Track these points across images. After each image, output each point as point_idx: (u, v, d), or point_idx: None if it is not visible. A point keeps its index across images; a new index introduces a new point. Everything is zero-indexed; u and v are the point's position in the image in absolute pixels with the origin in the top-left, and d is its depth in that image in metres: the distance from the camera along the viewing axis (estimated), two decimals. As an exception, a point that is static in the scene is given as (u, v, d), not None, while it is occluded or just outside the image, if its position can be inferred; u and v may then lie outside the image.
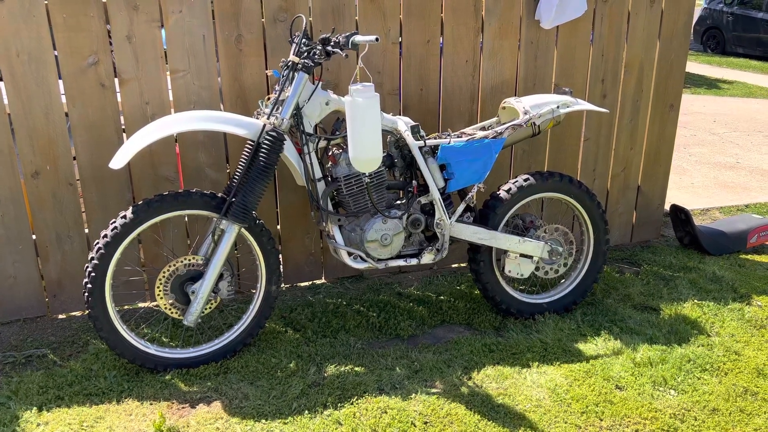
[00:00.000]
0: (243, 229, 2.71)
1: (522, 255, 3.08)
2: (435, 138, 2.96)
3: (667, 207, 4.55)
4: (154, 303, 3.29)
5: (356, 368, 2.78)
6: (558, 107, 3.01)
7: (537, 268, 3.17)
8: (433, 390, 2.65)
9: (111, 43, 2.90)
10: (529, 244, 3.07)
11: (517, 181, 3.08)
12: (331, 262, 3.58)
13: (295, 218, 3.40)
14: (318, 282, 3.61)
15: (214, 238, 2.71)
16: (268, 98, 2.75)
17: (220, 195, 2.70)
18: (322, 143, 2.80)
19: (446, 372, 2.77)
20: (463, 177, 2.92)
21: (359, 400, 2.57)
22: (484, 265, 3.09)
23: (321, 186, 2.78)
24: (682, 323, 3.19)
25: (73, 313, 3.22)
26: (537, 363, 2.86)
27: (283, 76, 2.70)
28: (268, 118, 2.63)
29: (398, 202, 2.94)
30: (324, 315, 3.20)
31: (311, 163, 2.75)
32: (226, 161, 3.21)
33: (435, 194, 2.90)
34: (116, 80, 2.95)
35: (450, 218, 2.94)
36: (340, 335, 3.03)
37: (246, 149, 2.73)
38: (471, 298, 3.41)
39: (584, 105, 3.08)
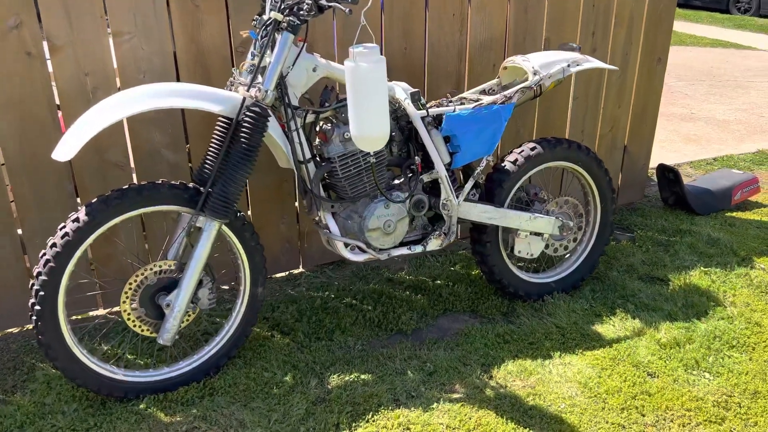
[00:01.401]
0: (223, 226, 2.26)
1: (532, 233, 2.77)
2: (437, 106, 2.57)
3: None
4: (110, 310, 2.80)
5: (363, 376, 2.41)
6: (569, 65, 2.68)
7: (546, 246, 2.87)
8: (455, 395, 2.33)
9: (37, 2, 2.32)
10: (541, 220, 2.76)
11: (522, 150, 2.75)
12: (311, 249, 3.16)
13: (268, 202, 2.95)
14: (296, 272, 3.19)
15: (189, 238, 2.25)
16: (243, 65, 2.27)
17: (192, 185, 2.24)
18: (310, 117, 2.37)
19: (464, 372, 2.45)
20: (470, 150, 2.55)
21: (375, 416, 2.22)
22: (490, 247, 2.76)
23: (311, 168, 2.36)
24: (695, 294, 2.99)
25: (10, 330, 2.69)
26: (559, 352, 2.58)
27: (261, 37, 2.23)
28: (248, 90, 2.17)
29: (396, 181, 2.55)
30: (313, 312, 2.81)
31: (299, 142, 2.31)
32: (185, 140, 2.71)
33: (441, 171, 2.53)
34: (46, 46, 2.39)
35: (458, 198, 2.58)
36: (337, 336, 2.65)
37: (219, 128, 2.26)
38: (470, 281, 3.09)
39: (594, 62, 2.76)
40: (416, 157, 2.50)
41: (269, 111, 2.19)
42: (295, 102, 2.29)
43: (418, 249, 2.58)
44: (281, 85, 2.23)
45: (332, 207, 2.45)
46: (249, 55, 2.28)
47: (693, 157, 4.98)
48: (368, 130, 2.10)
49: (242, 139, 2.15)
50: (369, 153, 2.35)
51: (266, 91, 2.16)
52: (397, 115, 2.51)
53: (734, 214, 3.93)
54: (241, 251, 2.35)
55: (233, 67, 2.63)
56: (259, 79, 2.22)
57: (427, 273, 3.17)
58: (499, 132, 2.59)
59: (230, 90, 2.30)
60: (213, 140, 2.27)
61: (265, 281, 2.44)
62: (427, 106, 2.51)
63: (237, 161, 2.16)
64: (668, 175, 3.87)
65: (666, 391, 2.38)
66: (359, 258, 2.50)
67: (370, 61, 2.04)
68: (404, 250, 2.56)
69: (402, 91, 2.46)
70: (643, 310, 2.88)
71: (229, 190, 2.17)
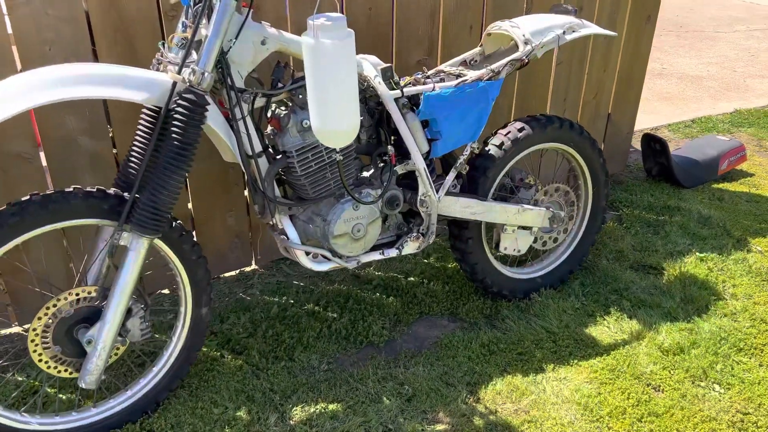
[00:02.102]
0: (156, 239, 1.83)
1: (520, 227, 2.42)
2: (413, 84, 2.15)
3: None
4: (28, 326, 2.36)
5: (331, 406, 2.06)
6: (564, 33, 2.28)
7: (534, 239, 2.53)
8: (440, 427, 2.00)
9: None
10: (530, 213, 2.40)
11: (509, 131, 2.37)
12: (264, 242, 2.75)
13: (212, 192, 2.51)
14: (248, 269, 2.79)
15: (112, 259, 1.82)
16: (172, 38, 1.81)
17: (113, 192, 1.79)
18: (260, 101, 1.93)
19: (447, 395, 2.12)
20: (452, 136, 2.16)
21: (348, 461, 1.88)
22: (472, 244, 2.40)
23: (263, 163, 1.93)
24: (693, 286, 2.71)
25: None
26: (552, 365, 2.27)
27: (194, 2, 1.76)
28: (179, 72, 1.71)
29: (366, 173, 2.14)
30: (269, 325, 2.42)
31: (247, 133, 1.88)
32: (107, 123, 2.24)
33: (419, 163, 2.13)
34: None
35: (438, 192, 2.20)
36: (298, 354, 2.27)
37: (146, 119, 1.81)
38: (447, 277, 2.74)
39: (592, 28, 2.37)
40: (389, 146, 2.09)
41: (207, 97, 1.75)
42: (240, 84, 1.85)
43: (392, 253, 2.20)
44: (222, 63, 1.78)
45: (290, 209, 2.04)
46: (180, 26, 1.81)
47: (670, 119, 4.69)
48: (334, 123, 1.69)
49: (174, 135, 1.71)
50: (334, 149, 1.93)
51: (202, 73, 1.71)
52: (366, 95, 2.09)
53: (721, 185, 3.67)
54: (180, 268, 1.93)
55: (163, 39, 2.15)
56: (194, 56, 1.77)
57: (399, 268, 2.80)
58: (486, 114, 2.20)
59: (157, 69, 1.83)
60: (138, 134, 1.82)
61: (211, 299, 2.03)
62: (401, 84, 2.09)
63: (169, 162, 1.72)
64: (654, 145, 3.56)
65: (674, 410, 2.10)
66: (323, 267, 2.11)
67: (334, 36, 1.60)
68: (376, 255, 2.18)
69: (371, 66, 2.03)
70: (639, 307, 2.59)
71: (159, 198, 1.73)
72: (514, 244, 2.45)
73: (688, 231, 3.14)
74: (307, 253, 2.07)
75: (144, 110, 1.83)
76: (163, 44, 1.83)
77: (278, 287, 2.66)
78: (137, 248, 1.76)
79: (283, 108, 1.99)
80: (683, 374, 2.26)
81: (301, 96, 1.94)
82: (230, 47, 1.78)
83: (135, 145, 1.83)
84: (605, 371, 2.27)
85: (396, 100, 2.06)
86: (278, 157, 1.97)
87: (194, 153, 1.76)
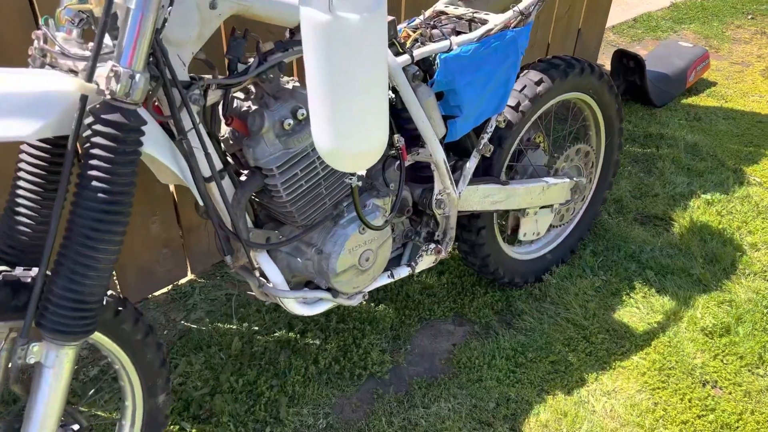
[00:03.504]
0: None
1: (542, 207, 1.93)
2: (420, 42, 1.51)
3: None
4: None
5: (349, 488, 1.56)
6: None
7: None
8: (491, 493, 1.57)
9: None
10: (554, 188, 1.91)
11: (524, 86, 1.81)
12: (198, 246, 2.09)
13: (128, 200, 1.80)
14: (182, 281, 2.13)
15: (21, 375, 1.14)
16: (62, 11, 1.07)
17: (6, 274, 1.10)
18: (213, 96, 1.24)
19: (487, 440, 1.68)
20: (475, 109, 1.57)
21: None
22: (485, 234, 1.89)
23: (227, 187, 1.28)
24: (711, 240, 2.38)
25: None
26: (593, 373, 1.88)
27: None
28: (89, 78, 1.00)
29: (360, 171, 1.53)
30: (235, 369, 1.83)
31: (203, 148, 1.21)
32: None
33: (437, 153, 1.54)
34: None
35: (458, 186, 1.63)
36: (285, 411, 1.72)
37: (34, 152, 1.10)
38: (442, 265, 2.22)
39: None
40: (398, 136, 1.47)
41: (140, 110, 1.06)
42: (184, 75, 1.15)
43: (404, 273, 1.65)
44: (155, 48, 1.07)
45: (268, 240, 1.41)
46: (74, -9, 1.07)
47: (612, 21, 4.26)
48: (354, 141, 1.07)
49: (96, 183, 1.02)
50: (352, 174, 1.29)
51: (131, 76, 1.00)
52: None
53: (690, 100, 3.33)
54: (122, 356, 1.29)
55: (39, 19, 1.37)
56: (108, 44, 1.05)
57: (377, 257, 2.25)
58: (515, 73, 1.62)
59: (41, 66, 1.10)
60: (25, 174, 1.11)
61: (169, 381, 1.41)
62: (408, 45, 1.46)
63: (94, 223, 1.04)
64: (628, 63, 3.11)
65: (745, 416, 1.78)
66: (316, 310, 1.53)
67: (362, 6, 0.95)
68: (385, 280, 1.62)
69: (366, 23, 1.37)
70: (662, 275, 2.22)
71: (87, 282, 1.07)
72: (534, 227, 1.96)
73: (681, 165, 2.78)
74: (300, 300, 1.47)
75: (30, 145, 1.12)
76: (48, 21, 1.08)
77: (227, 303, 2.04)
78: (59, 362, 1.10)
79: (247, 101, 1.32)
80: (738, 363, 1.93)
81: (274, 84, 1.28)
82: (163, 21, 1.07)
83: (21, 193, 1.13)
84: (653, 372, 1.90)
85: (404, 69, 1.43)
86: (248, 175, 1.31)
87: (131, 198, 1.09)
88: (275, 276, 1.42)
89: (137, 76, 1.01)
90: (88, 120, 1.02)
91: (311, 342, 1.92)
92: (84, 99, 1.00)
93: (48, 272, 1.07)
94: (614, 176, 2.28)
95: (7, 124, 0.95)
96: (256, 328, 1.96)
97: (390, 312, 2.03)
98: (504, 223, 2.08)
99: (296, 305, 1.48)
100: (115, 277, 1.92)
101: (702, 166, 2.78)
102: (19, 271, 1.13)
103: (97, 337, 1.24)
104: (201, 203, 1.26)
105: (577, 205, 2.12)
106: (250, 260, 1.39)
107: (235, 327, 1.97)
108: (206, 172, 1.24)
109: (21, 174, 1.16)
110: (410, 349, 1.94)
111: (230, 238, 1.32)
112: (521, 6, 1.58)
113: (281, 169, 1.29)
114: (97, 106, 1.02)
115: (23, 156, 1.16)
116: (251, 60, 1.27)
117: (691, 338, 2.01)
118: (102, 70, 1.01)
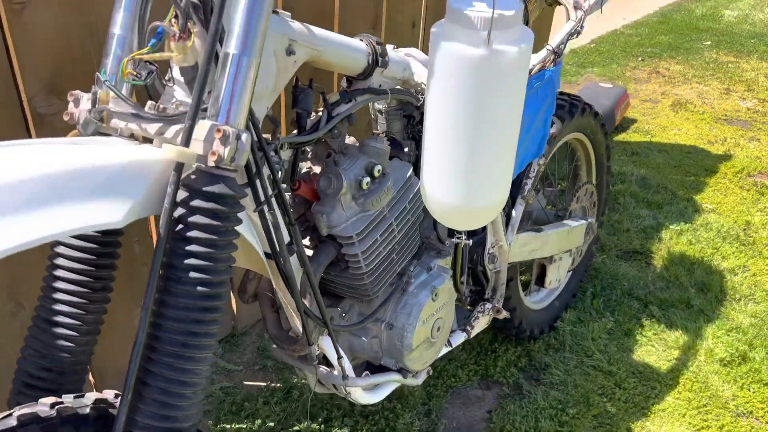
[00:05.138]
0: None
1: (565, 252, 1.84)
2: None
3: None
4: None
5: None
6: (606, -12, 1.68)
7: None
8: None
9: None
10: (575, 231, 1.83)
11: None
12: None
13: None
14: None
15: None
16: (127, 63, 0.85)
17: (61, 407, 0.83)
18: (285, 155, 1.05)
19: None
20: (519, 153, 1.47)
21: None
22: (513, 287, 1.77)
23: (295, 264, 1.07)
24: (694, 269, 2.41)
25: None
26: (637, 422, 1.80)
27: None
28: (187, 141, 0.79)
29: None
30: (267, 480, 1.56)
31: (286, 214, 1.01)
32: None
33: (494, 204, 1.41)
34: None
35: (507, 237, 1.51)
36: None
37: (80, 247, 0.87)
38: (449, 325, 2.06)
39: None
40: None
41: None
42: (260, 136, 0.95)
43: (460, 339, 1.49)
44: (239, 102, 0.87)
45: (332, 319, 1.20)
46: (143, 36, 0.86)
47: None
48: (485, 195, 0.92)
49: (195, 272, 0.80)
50: (459, 233, 1.13)
51: (237, 136, 0.80)
52: (405, 112, 1.30)
53: (621, 137, 3.46)
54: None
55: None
56: (184, 101, 0.85)
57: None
58: (551, 113, 1.54)
59: (95, 132, 0.87)
60: (65, 277, 0.87)
61: None
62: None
63: (193, 325, 0.81)
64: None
65: (790, 443, 1.75)
66: (382, 395, 1.32)
67: (513, 39, 0.82)
68: (443, 350, 1.44)
69: (421, 66, 1.24)
70: (664, 309, 2.21)
71: (181, 409, 0.83)
72: (557, 273, 1.87)
73: (639, 199, 2.83)
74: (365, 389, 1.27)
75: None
76: (105, 74, 0.85)
77: (230, 400, 1.76)
78: None
79: (317, 162, 1.13)
80: (765, 390, 1.92)
81: (339, 134, 1.10)
82: (250, 66, 0.88)
83: (59, 298, 0.88)
84: (692, 411, 1.84)
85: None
86: (318, 247, 1.12)
87: (224, 297, 0.86)
88: (344, 362, 1.21)
89: (243, 136, 0.81)
90: (181, 196, 0.80)
91: (336, 429, 1.68)
92: (179, 168, 0.78)
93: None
94: (603, 215, 2.25)
95: (92, 208, 0.71)
96: (272, 424, 1.70)
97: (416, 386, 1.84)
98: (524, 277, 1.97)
99: (362, 394, 1.27)
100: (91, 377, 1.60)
101: (659, 198, 2.84)
102: (69, 399, 0.86)
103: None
104: (275, 283, 1.04)
105: (584, 246, 2.06)
106: (310, 343, 1.17)
107: (245, 426, 1.69)
108: (277, 245, 1.03)
109: (58, 274, 0.90)
110: (447, 424, 1.75)
111: (305, 323, 1.10)
112: (553, 44, 1.52)
113: (360, 237, 1.11)
114: (192, 176, 0.80)
115: (60, 250, 0.90)
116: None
117: (713, 371, 1.98)
118: (195, 134, 0.80)
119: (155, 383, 0.81)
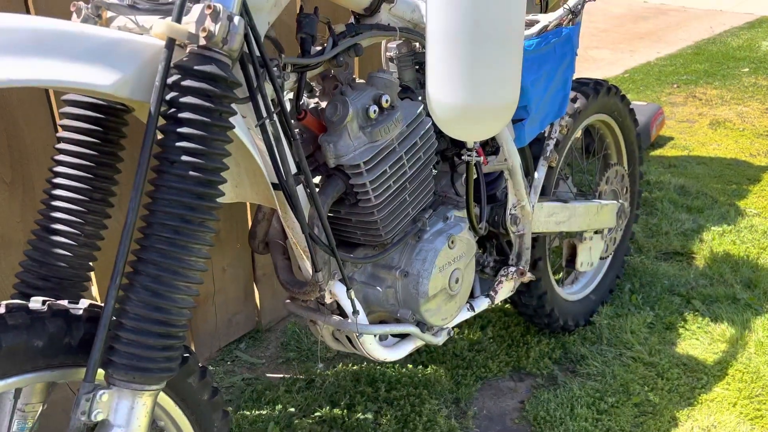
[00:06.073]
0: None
1: (596, 232, 1.77)
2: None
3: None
4: None
5: None
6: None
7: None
8: None
9: None
10: (606, 209, 1.77)
11: (561, 103, 1.70)
12: (204, 326, 1.78)
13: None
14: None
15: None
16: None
17: (44, 305, 0.80)
18: (290, 81, 1.03)
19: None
20: (541, 111, 1.43)
21: None
22: (542, 267, 1.69)
23: (302, 194, 1.04)
24: (740, 266, 2.29)
25: None
26: (683, 411, 1.67)
27: None
28: (178, 17, 0.78)
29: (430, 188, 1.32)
30: (284, 460, 1.48)
31: (290, 138, 0.98)
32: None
33: (514, 157, 1.37)
34: None
35: (534, 197, 1.46)
36: (358, 500, 1.39)
37: (82, 125, 0.85)
38: (485, 320, 1.98)
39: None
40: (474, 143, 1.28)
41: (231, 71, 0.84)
42: (262, 49, 0.94)
43: (484, 304, 1.42)
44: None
45: (344, 265, 1.15)
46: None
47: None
48: (492, 93, 0.88)
49: (188, 156, 0.78)
50: (466, 146, 1.09)
51: (229, 17, 0.79)
52: (417, 59, 1.28)
53: (658, 153, 3.37)
54: (185, 425, 0.97)
55: None
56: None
57: (408, 319, 1.99)
58: (572, 73, 1.51)
59: (94, 23, 0.88)
60: (64, 185, 0.85)
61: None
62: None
63: (187, 211, 0.79)
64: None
65: None
66: (401, 353, 1.26)
67: None
68: (465, 314, 1.38)
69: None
70: (708, 303, 2.09)
71: (174, 301, 0.79)
72: (588, 256, 1.79)
73: (679, 205, 2.73)
74: (382, 339, 1.21)
75: (73, 108, 0.87)
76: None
77: (251, 389, 1.71)
78: (134, 418, 0.79)
79: (309, 97, 1.12)
80: (823, 380, 1.77)
81: (347, 64, 1.09)
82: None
83: (58, 206, 0.86)
84: (744, 401, 1.70)
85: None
86: (325, 180, 1.09)
87: (222, 183, 0.84)
88: (358, 307, 1.15)
89: (236, 18, 0.80)
90: (173, 78, 0.79)
91: (362, 417, 1.60)
92: (171, 45, 0.77)
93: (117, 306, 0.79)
94: (638, 208, 2.17)
95: (81, 69, 0.70)
96: (292, 409, 1.63)
97: (442, 373, 1.76)
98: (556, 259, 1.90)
99: (377, 347, 1.21)
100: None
101: (699, 203, 2.74)
102: (63, 303, 0.83)
103: (167, 405, 0.93)
104: (282, 215, 1.01)
105: (619, 234, 1.98)
106: (321, 288, 1.12)
107: (266, 412, 1.63)
108: (284, 174, 1.00)
109: (56, 181, 0.89)
110: (476, 412, 1.66)
111: (311, 249, 1.05)
112: (570, 4, 1.50)
113: (369, 165, 1.07)
114: (185, 59, 0.79)
115: (60, 157, 0.90)
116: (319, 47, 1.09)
117: (765, 362, 1.84)
118: (188, 18, 0.79)
119: (146, 270, 0.78)
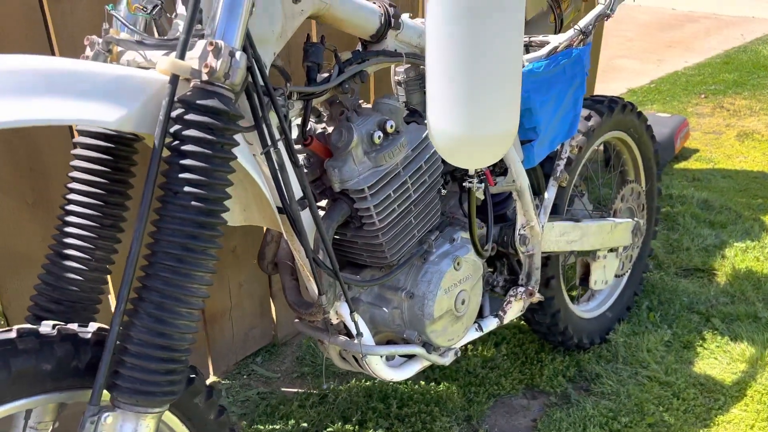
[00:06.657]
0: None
1: (610, 250, 1.76)
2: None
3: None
4: None
5: None
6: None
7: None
8: None
9: None
10: (620, 227, 1.76)
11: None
12: (222, 340, 1.81)
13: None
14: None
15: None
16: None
17: (62, 327, 0.83)
18: (294, 109, 1.06)
19: None
20: (550, 132, 1.44)
21: None
22: (555, 286, 1.69)
23: (305, 218, 1.06)
24: (763, 283, 2.25)
25: None
26: (699, 430, 1.64)
27: None
28: (182, 54, 0.81)
29: (437, 211, 1.34)
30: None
31: (295, 164, 1.01)
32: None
33: (522, 178, 1.38)
34: None
35: (543, 218, 1.46)
36: None
37: (92, 164, 0.89)
38: (500, 337, 1.98)
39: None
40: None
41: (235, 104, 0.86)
42: (266, 79, 0.97)
43: (492, 324, 1.43)
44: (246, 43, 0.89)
45: (349, 287, 1.18)
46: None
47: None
48: (492, 122, 0.89)
49: (190, 187, 0.81)
50: (467, 173, 1.11)
51: (231, 53, 0.82)
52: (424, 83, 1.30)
53: (682, 165, 3.34)
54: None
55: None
56: (211, 23, 0.88)
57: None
58: (582, 93, 1.51)
59: (104, 61, 0.91)
60: (77, 212, 0.89)
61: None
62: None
63: (190, 240, 0.82)
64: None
65: None
66: (407, 373, 1.27)
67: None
68: (473, 334, 1.39)
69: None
70: (728, 322, 2.06)
71: (176, 327, 0.82)
72: (603, 274, 1.78)
73: (701, 220, 2.70)
74: (388, 359, 1.23)
75: (86, 138, 0.91)
76: (114, 8, 0.90)
77: (265, 403, 1.74)
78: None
79: (316, 122, 1.14)
80: None
81: (352, 90, 1.11)
82: (252, 4, 0.91)
83: (71, 232, 0.90)
84: (762, 422, 1.68)
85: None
86: (330, 204, 1.11)
87: (224, 212, 0.86)
88: (361, 329, 1.17)
89: (237, 54, 0.83)
90: (176, 111, 0.82)
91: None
92: (174, 81, 0.80)
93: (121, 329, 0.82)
94: (656, 225, 2.15)
95: (88, 106, 0.74)
96: (305, 425, 1.66)
97: (454, 390, 1.77)
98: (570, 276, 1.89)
99: (384, 367, 1.23)
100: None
101: (722, 218, 2.71)
102: (73, 326, 0.87)
103: (173, 423, 0.96)
104: (288, 238, 1.04)
105: (635, 252, 1.97)
106: (326, 309, 1.14)
107: (279, 427, 1.66)
108: (288, 198, 1.03)
109: (69, 208, 0.93)
110: (488, 430, 1.66)
111: (315, 273, 1.07)
112: (581, 24, 1.50)
113: (372, 190, 1.09)
114: (188, 93, 0.82)
115: (72, 186, 0.93)
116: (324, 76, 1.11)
117: (787, 382, 1.81)
118: (196, 50, 0.82)
119: (150, 297, 0.81)
